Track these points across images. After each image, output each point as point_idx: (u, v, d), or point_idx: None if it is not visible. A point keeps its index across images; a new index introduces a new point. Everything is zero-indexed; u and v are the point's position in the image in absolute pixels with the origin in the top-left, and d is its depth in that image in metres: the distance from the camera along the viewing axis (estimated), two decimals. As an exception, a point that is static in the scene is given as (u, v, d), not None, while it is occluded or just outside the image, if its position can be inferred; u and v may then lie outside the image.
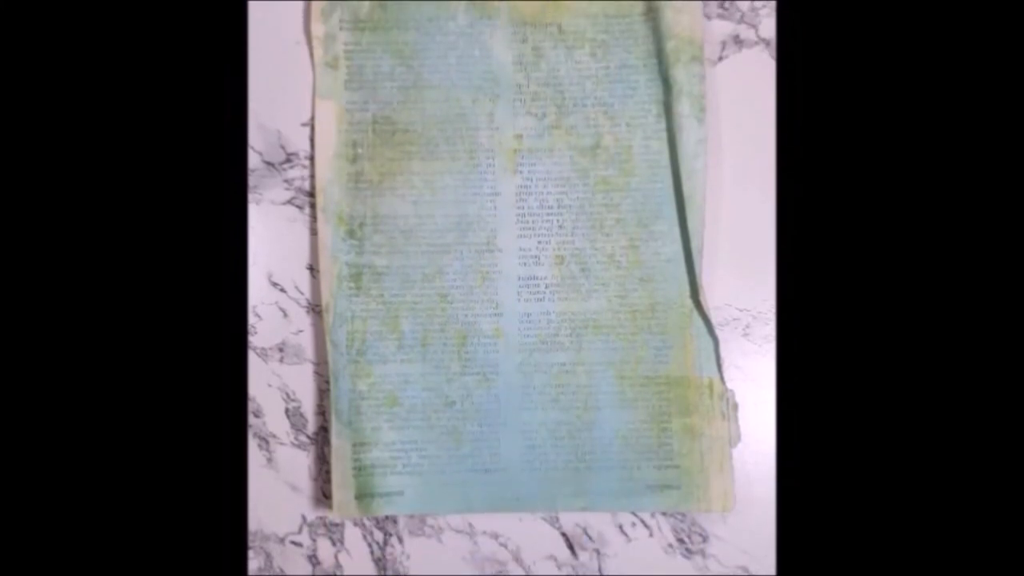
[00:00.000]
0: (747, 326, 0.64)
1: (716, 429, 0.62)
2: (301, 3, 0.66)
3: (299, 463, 0.64)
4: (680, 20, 0.64)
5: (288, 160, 0.66)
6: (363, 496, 0.62)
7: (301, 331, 0.65)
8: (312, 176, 0.65)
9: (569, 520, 0.64)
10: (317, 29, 0.65)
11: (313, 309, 0.65)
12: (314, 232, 0.65)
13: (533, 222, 0.64)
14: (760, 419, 0.64)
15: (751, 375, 0.64)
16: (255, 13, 0.65)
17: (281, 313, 0.65)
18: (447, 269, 0.64)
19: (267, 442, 0.64)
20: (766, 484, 0.63)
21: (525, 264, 0.64)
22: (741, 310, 0.64)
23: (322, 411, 0.65)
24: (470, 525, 0.64)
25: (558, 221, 0.64)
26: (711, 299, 0.64)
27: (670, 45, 0.64)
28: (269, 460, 0.64)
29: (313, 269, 0.65)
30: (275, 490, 0.64)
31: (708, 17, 0.66)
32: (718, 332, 0.63)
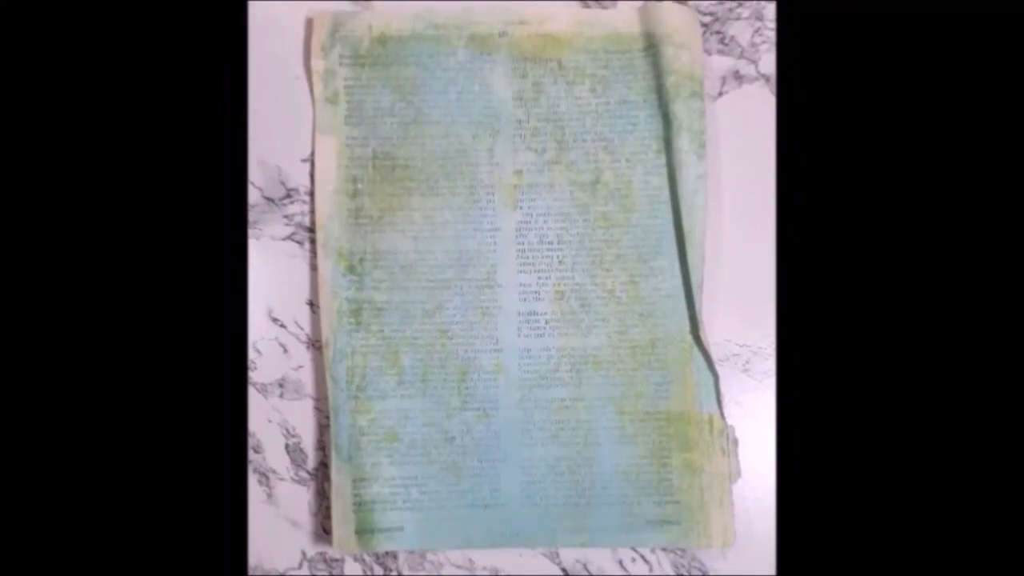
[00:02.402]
0: (747, 362, 0.64)
1: (716, 465, 0.62)
2: (301, 39, 0.67)
3: (299, 498, 0.64)
4: (680, 56, 0.64)
5: (288, 196, 0.66)
6: (363, 531, 0.62)
7: (301, 367, 0.65)
8: (312, 212, 0.65)
9: (569, 556, 0.64)
10: (317, 64, 0.65)
11: (313, 345, 0.65)
12: (314, 268, 0.65)
13: (533, 257, 0.64)
14: (760, 455, 0.63)
15: (751, 411, 0.64)
16: (255, 49, 0.66)
17: (281, 349, 0.65)
18: (447, 304, 0.64)
19: (267, 477, 0.64)
20: (766, 520, 0.63)
21: (525, 299, 0.64)
22: (741, 346, 0.64)
23: (322, 446, 0.64)
24: (470, 560, 0.64)
25: (558, 256, 0.64)
26: (711, 335, 0.63)
27: (670, 81, 0.64)
28: (269, 495, 0.64)
29: (313, 305, 0.65)
30: (275, 525, 0.64)
31: (708, 53, 0.66)
32: (718, 368, 0.63)
